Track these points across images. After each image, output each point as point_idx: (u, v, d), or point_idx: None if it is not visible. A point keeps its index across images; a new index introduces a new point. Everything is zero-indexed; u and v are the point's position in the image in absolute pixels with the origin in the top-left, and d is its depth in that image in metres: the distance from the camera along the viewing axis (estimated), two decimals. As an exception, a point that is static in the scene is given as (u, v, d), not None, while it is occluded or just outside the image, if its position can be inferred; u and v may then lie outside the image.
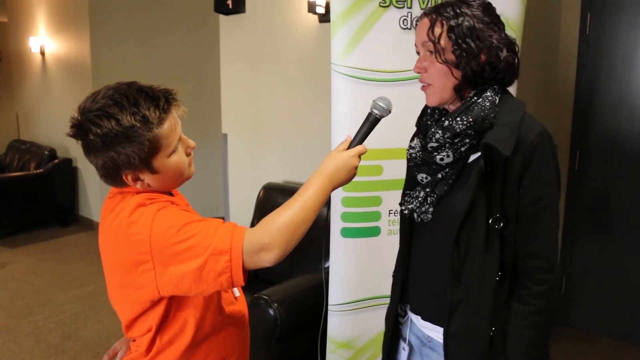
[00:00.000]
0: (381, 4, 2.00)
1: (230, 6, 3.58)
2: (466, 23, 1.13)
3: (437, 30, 1.14)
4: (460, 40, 1.12)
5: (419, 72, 1.20)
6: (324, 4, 3.07)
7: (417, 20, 1.22)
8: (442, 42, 1.14)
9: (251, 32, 3.61)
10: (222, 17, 3.76)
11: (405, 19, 2.02)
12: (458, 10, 1.14)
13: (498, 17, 1.19)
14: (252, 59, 3.65)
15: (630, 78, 2.95)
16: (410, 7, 2.02)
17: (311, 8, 3.14)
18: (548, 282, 1.15)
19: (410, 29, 2.03)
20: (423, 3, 2.02)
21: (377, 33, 2.01)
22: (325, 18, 3.10)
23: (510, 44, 1.18)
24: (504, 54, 1.15)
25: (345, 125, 2.05)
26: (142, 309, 1.14)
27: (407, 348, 1.39)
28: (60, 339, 3.23)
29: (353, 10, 1.98)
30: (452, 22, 1.13)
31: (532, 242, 1.15)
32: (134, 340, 1.23)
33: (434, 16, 1.15)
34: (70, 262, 4.61)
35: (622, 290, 3.08)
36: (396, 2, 2.01)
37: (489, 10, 1.18)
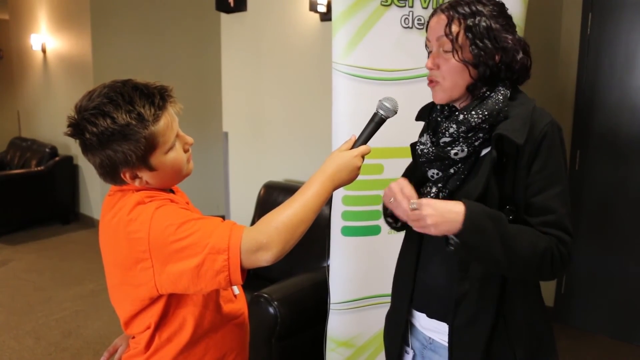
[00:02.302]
0: (383, 3, 1.99)
1: (232, 4, 3.58)
2: (483, 23, 1.12)
3: (455, 28, 1.13)
4: (477, 40, 1.12)
5: (431, 69, 1.19)
6: (325, 3, 3.06)
7: (430, 16, 1.20)
8: (460, 40, 1.13)
9: (252, 31, 3.61)
10: (223, 15, 3.76)
11: (406, 18, 2.02)
12: (474, 9, 1.13)
13: (511, 18, 1.18)
14: (253, 58, 3.65)
15: (631, 78, 2.94)
16: (412, 6, 2.02)
17: (312, 6, 3.14)
18: (561, 248, 1.11)
19: (411, 27, 2.03)
20: (424, 2, 2.02)
21: (379, 32, 2.01)
22: (326, 16, 3.10)
23: (524, 46, 1.18)
24: (519, 55, 1.16)
25: (346, 123, 2.05)
26: (141, 306, 1.14)
27: (410, 352, 1.38)
28: (61, 337, 3.23)
29: (354, 8, 1.98)
30: (469, 22, 1.12)
31: (543, 229, 1.12)
32: (133, 338, 1.24)
33: (451, 13, 1.14)
34: (71, 260, 4.62)
35: (621, 290, 3.08)
36: (398, 1, 2.01)
37: (503, 11, 1.17)
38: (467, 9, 1.13)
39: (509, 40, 1.14)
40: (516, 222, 1.14)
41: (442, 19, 1.15)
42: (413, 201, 1.10)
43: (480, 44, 1.12)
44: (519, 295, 1.20)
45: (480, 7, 1.14)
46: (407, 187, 1.17)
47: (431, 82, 1.20)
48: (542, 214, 1.12)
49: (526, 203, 1.14)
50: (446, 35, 1.14)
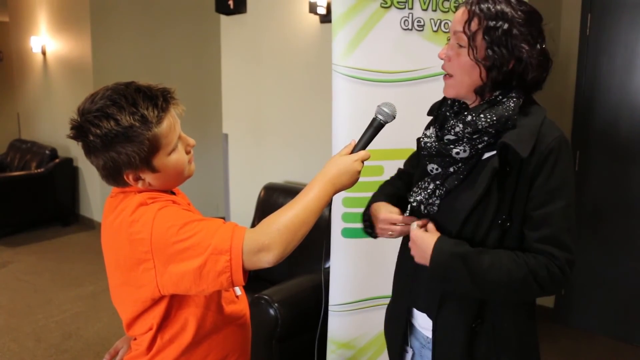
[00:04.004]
0: (382, 5, 2.00)
1: (232, 6, 3.58)
2: (504, 27, 1.09)
3: (474, 26, 1.11)
4: (494, 45, 1.10)
5: (442, 59, 1.18)
6: (325, 5, 3.07)
7: (458, 6, 1.20)
8: (477, 40, 1.12)
9: (252, 33, 3.61)
10: (223, 17, 3.76)
11: (406, 20, 2.03)
12: (499, 9, 1.10)
13: (539, 28, 1.14)
14: (253, 59, 3.65)
15: (631, 78, 2.95)
16: (412, 8, 2.02)
17: (312, 8, 3.15)
18: (551, 267, 1.10)
19: (411, 29, 2.04)
20: (424, 4, 2.03)
21: (379, 34, 2.01)
22: (326, 18, 3.11)
23: (543, 59, 1.14)
24: (532, 68, 1.12)
25: (346, 125, 2.05)
26: (143, 307, 1.15)
27: (410, 350, 1.39)
28: (61, 339, 3.23)
29: (354, 10, 1.98)
30: (491, 23, 1.10)
31: (537, 244, 1.12)
32: (135, 339, 1.24)
33: (474, 8, 1.12)
34: (71, 262, 4.62)
35: (621, 290, 3.08)
36: (397, 3, 2.01)
37: (531, 19, 1.13)
38: (491, 8, 1.10)
39: (524, 51, 1.10)
40: (513, 236, 1.14)
41: (465, 13, 1.14)
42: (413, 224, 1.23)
43: (496, 49, 1.10)
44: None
45: (507, 9, 1.10)
46: (393, 216, 1.29)
47: (445, 75, 1.20)
48: (538, 228, 1.12)
49: (525, 216, 1.13)
50: (464, 32, 1.13)
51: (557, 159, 1.10)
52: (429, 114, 1.35)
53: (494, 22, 1.10)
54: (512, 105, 1.13)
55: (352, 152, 1.21)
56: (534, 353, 1.26)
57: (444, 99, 1.29)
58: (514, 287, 1.11)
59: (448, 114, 1.25)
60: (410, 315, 1.37)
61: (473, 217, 1.15)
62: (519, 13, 1.11)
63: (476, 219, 1.15)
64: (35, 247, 5.04)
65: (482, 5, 1.11)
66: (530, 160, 1.10)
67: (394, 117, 1.22)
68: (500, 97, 1.15)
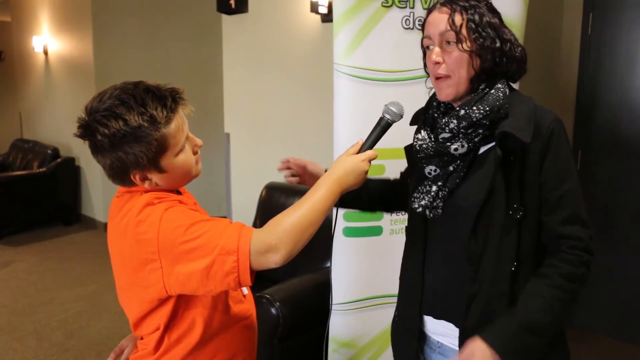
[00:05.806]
0: (384, 4, 2.00)
1: (233, 6, 3.59)
2: (486, 18, 1.16)
3: (458, 20, 1.15)
4: (480, 29, 1.14)
5: (436, 64, 1.18)
6: (326, 4, 3.07)
7: (428, 12, 1.21)
8: (463, 31, 1.15)
9: (254, 32, 3.61)
10: (224, 16, 3.77)
11: (407, 19, 2.03)
12: (473, 3, 1.17)
13: (500, 15, 1.22)
14: (254, 59, 3.66)
15: (632, 77, 2.95)
16: (413, 7, 2.02)
17: (314, 8, 3.15)
18: (581, 256, 1.14)
19: (412, 29, 2.04)
20: (425, 3, 2.03)
21: (380, 33, 2.01)
22: (327, 18, 3.11)
23: (517, 40, 1.21)
24: (518, 48, 1.19)
25: (348, 124, 2.05)
26: (150, 307, 1.14)
27: (422, 357, 1.36)
28: (63, 338, 3.24)
29: (355, 10, 1.99)
30: (470, 14, 1.15)
31: (561, 227, 1.14)
32: (142, 339, 1.24)
33: (452, 6, 1.16)
34: (73, 261, 4.63)
35: (624, 290, 3.08)
36: (399, 2, 2.01)
37: (495, 9, 1.21)
38: (466, 3, 1.16)
39: (507, 33, 1.18)
40: (530, 229, 1.15)
41: (443, 12, 1.17)
42: None
43: (484, 33, 1.14)
44: None
45: (475, 2, 1.17)
46: None
47: (438, 79, 1.19)
48: (557, 209, 1.14)
49: (541, 200, 1.15)
50: (450, 26, 1.14)
51: (559, 140, 1.14)
52: (412, 123, 1.35)
53: (473, 12, 1.15)
54: (501, 94, 1.16)
55: (359, 151, 1.20)
56: (562, 346, 1.25)
57: (428, 104, 1.30)
58: (572, 301, 1.15)
59: (436, 115, 1.25)
60: (421, 324, 1.33)
61: (484, 213, 1.14)
62: (484, 3, 1.19)
63: (488, 214, 1.14)
64: (38, 246, 5.05)
65: (458, 2, 1.17)
66: (532, 146, 1.12)
67: (402, 117, 1.22)
68: (487, 89, 1.17)
